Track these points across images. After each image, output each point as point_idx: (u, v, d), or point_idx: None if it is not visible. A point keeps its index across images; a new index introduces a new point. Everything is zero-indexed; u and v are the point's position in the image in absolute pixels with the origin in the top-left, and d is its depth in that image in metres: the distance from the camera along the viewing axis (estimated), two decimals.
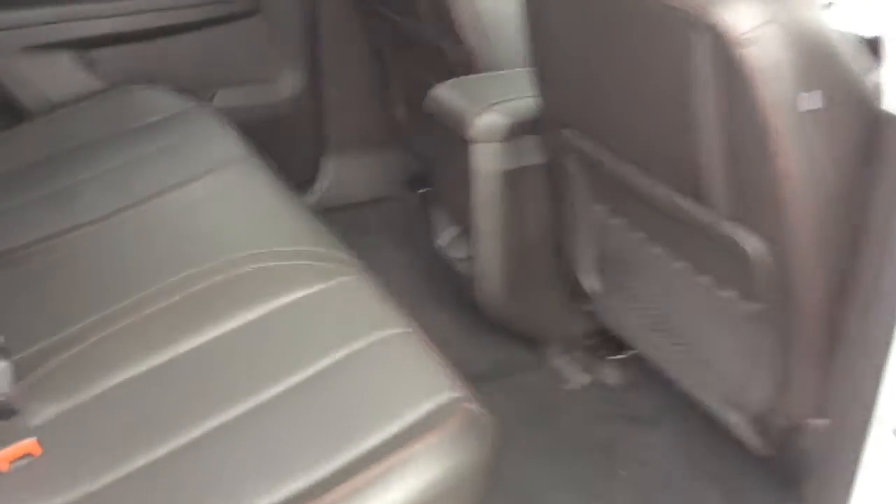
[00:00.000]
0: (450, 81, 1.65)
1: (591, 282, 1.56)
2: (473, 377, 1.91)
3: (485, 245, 1.64)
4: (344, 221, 2.48)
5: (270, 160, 2.33)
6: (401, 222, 2.41)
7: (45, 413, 1.13)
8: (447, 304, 2.00)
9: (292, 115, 2.35)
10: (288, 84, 2.31)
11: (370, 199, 2.50)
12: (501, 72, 1.71)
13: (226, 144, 1.74)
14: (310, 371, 1.14)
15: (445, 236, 1.78)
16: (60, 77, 2.00)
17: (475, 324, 1.91)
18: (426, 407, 1.04)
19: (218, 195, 1.55)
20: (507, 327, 1.80)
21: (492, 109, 1.54)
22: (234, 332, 1.22)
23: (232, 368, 1.17)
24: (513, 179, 1.58)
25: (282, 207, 1.51)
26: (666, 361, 1.48)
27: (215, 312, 1.25)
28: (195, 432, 1.08)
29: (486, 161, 1.56)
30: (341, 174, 2.46)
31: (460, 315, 1.96)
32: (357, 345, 1.16)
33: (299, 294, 1.27)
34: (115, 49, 2.06)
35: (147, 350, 1.20)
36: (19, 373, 1.19)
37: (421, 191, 2.47)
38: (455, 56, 1.78)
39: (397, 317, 1.21)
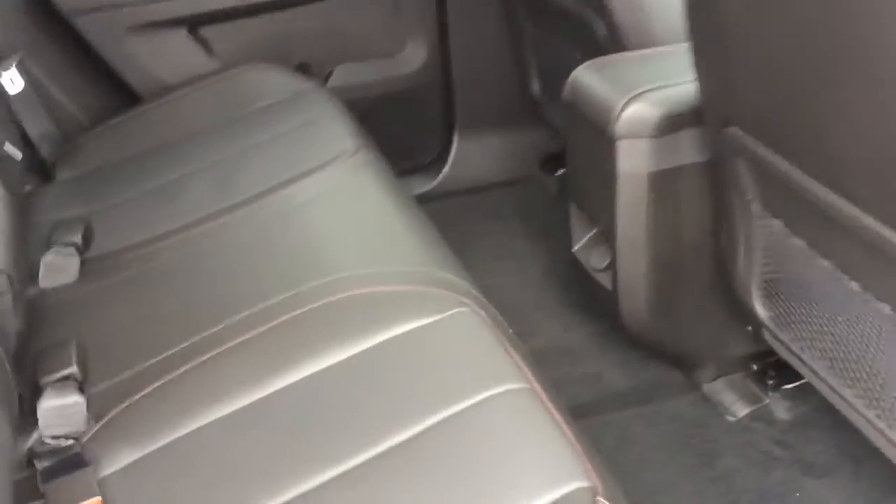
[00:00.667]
0: (592, 62, 1.40)
1: (758, 307, 1.29)
2: (611, 400, 1.77)
3: (628, 256, 1.40)
4: (473, 205, 2.31)
5: (392, 143, 2.19)
6: (535, 207, 2.19)
7: (115, 461, 1.01)
8: (585, 311, 1.78)
9: (417, 91, 2.15)
10: (413, 57, 2.11)
11: (501, 182, 2.28)
12: (657, 49, 1.44)
13: (340, 134, 1.56)
14: (414, 429, 0.96)
15: (582, 240, 1.54)
16: (172, 57, 1.88)
17: (617, 337, 1.68)
18: (549, 498, 0.84)
19: (325, 198, 1.38)
20: (652, 346, 1.56)
21: (641, 99, 1.28)
22: (329, 372, 1.05)
23: (327, 416, 1.00)
24: (664, 181, 1.33)
25: (394, 216, 1.32)
26: (847, 406, 1.21)
27: (310, 347, 1.08)
28: (286, 493, 0.94)
29: (632, 161, 1.31)
30: (470, 154, 2.24)
31: (599, 326, 1.74)
32: (468, 401, 0.96)
33: (406, 328, 1.08)
34: (229, 25, 1.92)
35: (234, 389, 1.05)
36: (95, 411, 1.08)
37: (558, 173, 2.25)
38: (601, 29, 1.52)
39: (519, 367, 1.01)
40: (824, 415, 1.48)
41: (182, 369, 1.09)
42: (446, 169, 2.23)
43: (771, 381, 1.51)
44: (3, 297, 1.10)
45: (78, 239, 1.39)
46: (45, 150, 1.76)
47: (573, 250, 1.56)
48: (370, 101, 2.09)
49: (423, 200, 2.27)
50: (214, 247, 1.32)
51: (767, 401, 1.53)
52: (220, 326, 1.14)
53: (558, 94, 2.04)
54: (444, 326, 1.08)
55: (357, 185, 1.41)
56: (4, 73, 1.68)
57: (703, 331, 1.50)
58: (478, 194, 2.25)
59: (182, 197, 1.50)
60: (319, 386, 1.04)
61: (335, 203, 1.37)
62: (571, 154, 1.48)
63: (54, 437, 1.04)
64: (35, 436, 1.06)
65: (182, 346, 1.13)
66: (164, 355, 1.12)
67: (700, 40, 1.14)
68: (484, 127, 2.22)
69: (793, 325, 1.25)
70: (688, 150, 1.31)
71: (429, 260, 1.21)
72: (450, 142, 2.23)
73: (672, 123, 1.28)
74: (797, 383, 1.50)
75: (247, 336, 1.11)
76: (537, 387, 0.98)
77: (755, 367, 1.53)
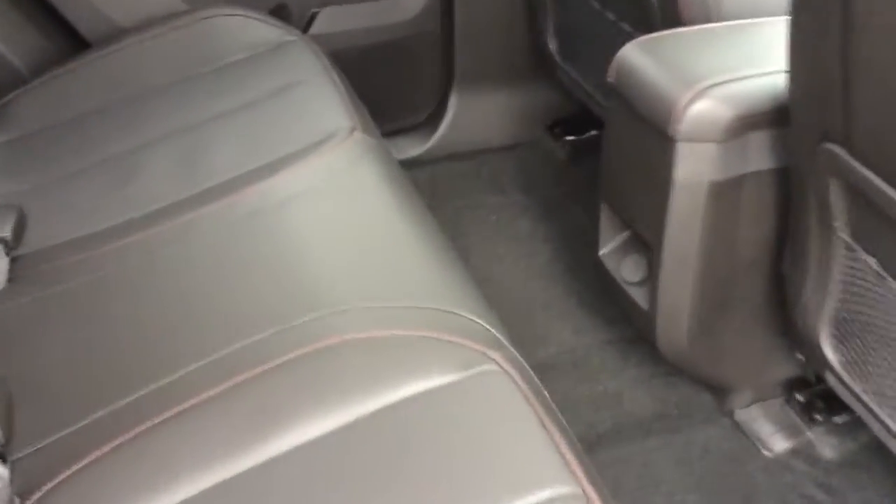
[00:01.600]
0: (646, 41, 1.14)
1: (826, 348, 1.09)
2: (633, 427, 1.48)
3: (674, 272, 1.17)
4: (469, 173, 2.04)
5: (380, 100, 1.91)
6: (540, 177, 1.94)
7: None
8: (599, 313, 1.56)
9: (412, 41, 1.86)
10: (410, 1, 1.83)
11: (504, 145, 2.02)
12: (728, 25, 1.18)
13: (331, 106, 1.30)
14: None
15: (611, 244, 1.32)
16: None
17: (638, 348, 1.48)
18: None
19: (314, 195, 1.12)
20: (686, 368, 1.35)
21: (709, 93, 1.03)
22: (315, 446, 0.82)
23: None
24: (726, 191, 1.09)
25: (402, 227, 1.07)
26: None
27: (293, 410, 0.85)
28: None
29: (693, 167, 1.07)
30: (471, 113, 1.97)
31: (617, 331, 1.52)
32: None
33: (417, 388, 0.85)
34: None
35: (196, 464, 0.83)
36: (20, 488, 0.85)
37: (569, 138, 2.00)
38: None
39: (564, 457, 0.79)
40: (876, 456, 1.30)
41: (131, 433, 0.85)
42: (441, 130, 1.96)
43: (818, 416, 1.32)
44: None
45: (7, 231, 1.13)
46: None
47: (599, 254, 1.33)
48: (357, 51, 1.81)
49: (413, 165, 2.03)
50: (175, 255, 1.07)
51: (809, 434, 1.34)
52: (179, 374, 0.90)
53: (576, 54, 1.79)
54: (466, 390, 0.86)
55: (354, 180, 1.15)
56: None
57: (744, 353, 1.30)
58: (475, 159, 1.99)
59: (136, 177, 1.23)
60: (301, 465, 0.82)
61: (327, 203, 1.11)
62: (610, 146, 1.24)
63: None
64: None
65: (131, 398, 0.89)
66: (109, 411, 0.88)
67: (807, 20, 0.89)
68: (486, 84, 1.95)
69: (870, 377, 1.05)
70: (758, 155, 1.08)
71: (447, 293, 0.97)
72: (446, 99, 1.95)
73: (744, 125, 1.04)
74: (847, 417, 1.32)
75: (212, 391, 0.87)
76: (591, 491, 0.77)
77: (800, 397, 1.33)
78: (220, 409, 0.87)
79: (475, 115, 1.98)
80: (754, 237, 1.15)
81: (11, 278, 1.10)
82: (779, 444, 1.33)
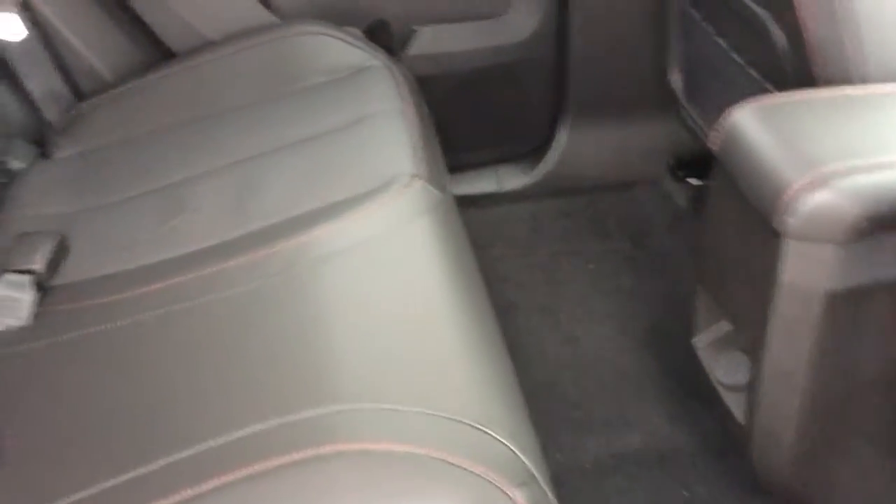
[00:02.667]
0: (763, 104, 0.93)
1: None
2: None
3: (776, 389, 0.97)
4: (575, 211, 1.85)
5: (483, 127, 1.78)
6: (654, 223, 1.73)
7: None
8: (701, 399, 1.34)
9: (524, 65, 1.70)
10: (521, 22, 1.65)
11: (615, 183, 1.82)
12: (867, 89, 0.95)
13: (396, 148, 1.16)
14: None
15: (706, 331, 1.11)
16: (214, 3, 1.50)
17: (736, 463, 1.25)
18: None
19: (354, 258, 0.98)
20: (787, 499, 1.13)
21: (832, 182, 0.82)
22: None
23: None
24: (848, 302, 0.88)
25: (445, 308, 0.91)
26: None
27: None
28: None
29: (805, 271, 0.86)
30: (582, 146, 1.79)
31: (712, 439, 1.30)
32: None
33: None
34: None
35: None
36: None
37: (692, 181, 1.78)
38: (780, 39, 1.04)
39: None
40: None
41: None
42: (548, 162, 1.78)
43: None
44: None
45: (41, 264, 1.07)
46: (50, 114, 1.44)
47: (693, 341, 1.13)
48: (459, 74, 1.67)
49: (513, 199, 1.87)
50: (193, 315, 0.96)
51: None
52: (158, 463, 0.78)
53: (701, 95, 1.57)
54: None
55: (405, 241, 1.00)
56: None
57: (863, 487, 1.07)
58: (583, 197, 1.81)
59: (184, 211, 1.14)
60: None
61: (366, 267, 0.97)
62: (709, 223, 1.04)
63: None
64: None
65: (104, 485, 0.78)
66: (77, 498, 0.79)
67: None
68: (601, 115, 1.76)
69: None
70: (890, 261, 0.86)
71: (480, 404, 0.80)
72: (555, 130, 1.77)
73: (874, 225, 0.83)
74: None
75: (192, 490, 0.76)
76: None
77: None
78: None
79: (587, 149, 1.80)
80: (880, 356, 0.93)
81: (38, 313, 1.03)
82: None
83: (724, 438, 1.29)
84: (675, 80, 1.57)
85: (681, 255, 1.65)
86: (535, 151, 1.81)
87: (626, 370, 1.42)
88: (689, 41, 1.47)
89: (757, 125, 0.90)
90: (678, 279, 1.60)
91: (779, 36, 1.04)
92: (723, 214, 0.99)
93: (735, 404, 1.04)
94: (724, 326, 1.10)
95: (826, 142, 0.87)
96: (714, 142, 0.95)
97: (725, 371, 1.06)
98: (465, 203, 1.82)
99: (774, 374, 0.95)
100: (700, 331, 1.12)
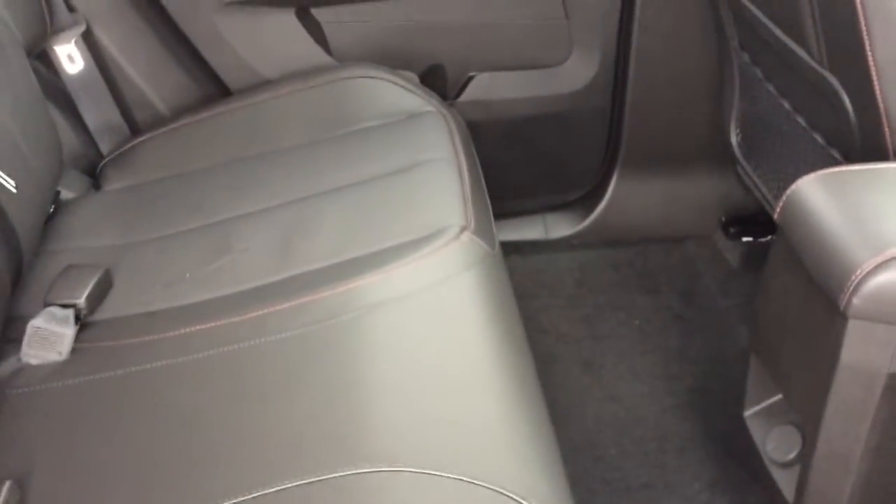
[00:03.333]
0: (829, 175, 0.90)
1: None
2: None
3: (828, 470, 0.92)
4: (622, 263, 1.81)
5: (533, 173, 1.76)
6: (704, 281, 1.69)
7: None
8: (739, 483, 1.29)
9: (578, 114, 1.68)
10: (579, 71, 1.63)
11: (668, 237, 1.80)
12: None
13: (447, 196, 1.15)
14: None
15: (759, 405, 1.07)
16: (271, 44, 1.51)
17: None
18: None
19: (399, 310, 0.96)
20: None
21: None
22: None
23: None
24: None
25: (488, 367, 0.89)
26: None
27: None
28: None
29: (867, 352, 0.82)
30: (634, 197, 1.76)
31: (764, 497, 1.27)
32: None
33: None
34: (348, 9, 1.53)
35: None
36: None
37: (745, 239, 1.74)
38: (853, 111, 1.00)
39: None
40: None
41: None
42: (597, 212, 1.76)
43: None
44: None
45: (81, 299, 1.07)
46: (104, 146, 1.45)
47: (745, 415, 1.09)
48: (513, 121, 1.66)
49: (561, 248, 1.84)
50: (235, 359, 0.95)
51: None
52: None
53: (759, 154, 1.54)
54: None
55: (448, 295, 0.99)
56: (60, 48, 1.37)
57: None
58: (631, 249, 1.78)
59: (231, 250, 1.14)
60: None
61: (411, 321, 0.95)
62: (768, 293, 1.00)
63: None
64: None
65: None
66: None
67: None
68: (654, 167, 1.73)
69: None
70: None
71: (521, 472, 0.78)
72: (607, 179, 1.75)
73: None
74: None
75: None
76: None
77: None
78: None
79: (638, 200, 1.77)
80: None
81: (77, 349, 1.03)
82: None
83: None
84: (733, 136, 1.54)
85: (731, 315, 1.61)
86: (583, 200, 1.79)
87: (669, 432, 1.38)
88: (749, 98, 1.44)
89: (824, 198, 0.87)
90: (727, 341, 1.56)
91: (848, 103, 1.01)
92: (783, 285, 0.96)
93: (784, 481, 1.00)
94: (777, 400, 1.05)
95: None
96: (777, 211, 0.92)
97: (776, 446, 1.01)
98: (511, 249, 1.81)
99: (828, 455, 0.91)
100: (752, 403, 1.08)
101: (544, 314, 1.65)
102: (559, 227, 1.80)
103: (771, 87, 1.32)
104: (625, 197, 1.77)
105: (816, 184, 0.89)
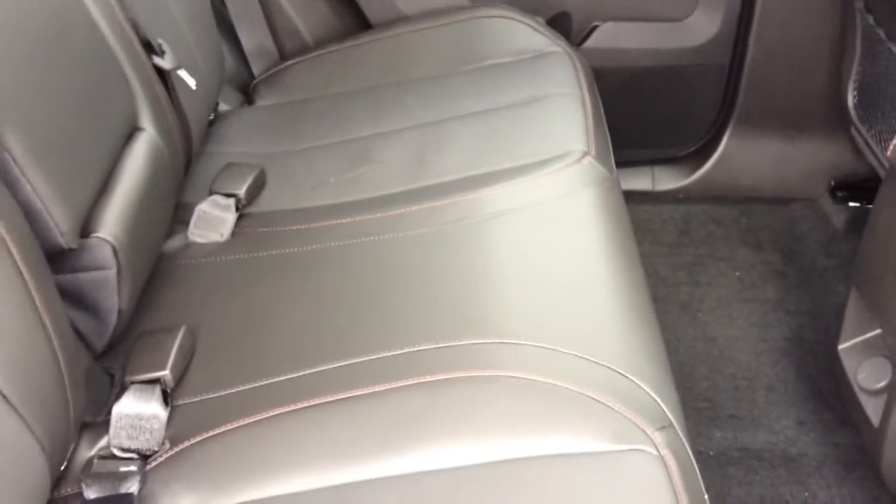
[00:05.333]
0: None
1: None
2: None
3: None
4: (727, 219, 1.87)
5: (648, 124, 1.82)
6: (807, 242, 1.73)
7: None
8: (833, 410, 1.36)
9: (697, 69, 1.74)
10: (701, 27, 1.69)
11: (772, 197, 1.83)
12: None
13: (569, 126, 1.24)
14: None
15: (854, 339, 1.13)
16: None
17: (862, 474, 1.26)
18: None
19: (521, 216, 1.07)
20: None
21: None
22: (443, 477, 0.79)
23: None
24: None
25: (602, 272, 0.99)
26: None
27: (434, 432, 0.82)
28: None
29: None
30: (744, 155, 1.80)
31: (847, 437, 1.32)
32: None
33: (560, 447, 0.79)
34: None
35: (330, 457, 0.83)
36: (172, 432, 0.89)
37: (852, 204, 1.77)
38: None
39: None
40: None
41: (281, 409, 0.87)
42: (707, 167, 1.82)
43: None
44: (105, 273, 0.93)
45: (242, 190, 1.21)
46: (256, 67, 1.60)
47: (839, 348, 1.15)
48: (632, 71, 1.73)
49: (667, 199, 1.91)
50: (376, 247, 1.07)
51: None
52: (339, 363, 0.90)
53: (875, 115, 1.57)
54: (611, 466, 0.77)
55: (571, 208, 1.08)
56: None
57: None
58: (737, 207, 1.83)
59: (370, 161, 1.27)
60: (425, 494, 0.79)
61: (535, 228, 1.06)
62: (875, 227, 1.06)
63: (122, 450, 0.88)
64: (102, 442, 0.91)
65: (292, 375, 0.91)
66: (270, 382, 0.91)
67: None
68: (767, 127, 1.77)
69: None
70: None
71: (627, 355, 0.88)
72: (720, 136, 1.80)
73: None
74: None
75: (364, 391, 0.86)
76: None
77: None
78: (368, 410, 0.86)
79: (748, 159, 1.82)
80: None
81: (234, 233, 1.17)
82: None
83: (854, 451, 1.30)
84: (850, 97, 1.57)
85: (831, 275, 1.65)
86: (693, 155, 1.85)
87: (760, 373, 1.44)
88: (870, 59, 1.47)
89: None
90: (825, 298, 1.60)
91: None
92: (889, 222, 1.02)
93: (871, 407, 1.06)
94: (873, 335, 1.11)
95: None
96: (891, 149, 0.98)
97: (867, 375, 1.08)
98: None
99: None
100: (847, 337, 1.14)
101: (646, 259, 1.69)
102: (667, 179, 1.87)
103: (894, 47, 1.36)
104: (735, 155, 1.82)
105: None
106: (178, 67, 1.18)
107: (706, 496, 0.79)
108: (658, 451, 0.78)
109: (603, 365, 0.87)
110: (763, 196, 1.85)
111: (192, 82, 1.18)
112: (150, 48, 1.16)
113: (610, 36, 1.70)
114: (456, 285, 0.99)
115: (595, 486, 0.76)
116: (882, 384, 1.06)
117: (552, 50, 1.45)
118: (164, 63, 1.15)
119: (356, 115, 1.39)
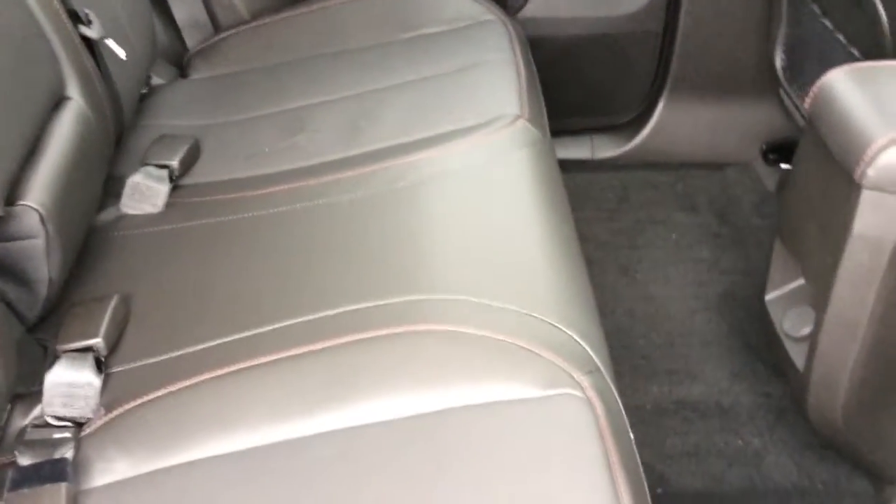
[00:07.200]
0: (856, 69, 0.99)
1: None
2: (768, 493, 1.27)
3: (837, 338, 1.02)
4: (663, 185, 1.91)
5: (584, 95, 1.84)
6: (740, 204, 1.78)
7: (106, 473, 0.82)
8: (765, 361, 1.41)
9: (631, 37, 1.76)
10: None
11: (706, 162, 1.87)
12: None
13: (503, 91, 1.25)
14: None
15: (779, 289, 1.17)
16: None
17: (792, 420, 1.31)
18: None
19: (456, 178, 1.09)
20: (837, 446, 1.19)
21: None
22: (378, 430, 0.80)
23: (372, 491, 0.76)
24: None
25: (534, 227, 1.01)
26: None
27: (367, 387, 0.83)
28: None
29: (878, 221, 0.92)
30: (679, 122, 1.83)
31: (779, 386, 1.37)
32: None
33: (491, 395, 0.80)
34: None
35: (265, 417, 0.83)
36: (107, 399, 0.89)
37: (784, 166, 1.81)
38: (885, 19, 1.09)
39: None
40: None
41: (217, 372, 0.87)
42: (643, 135, 1.85)
43: None
44: (33, 242, 0.92)
45: (175, 161, 1.20)
46: (190, 40, 1.58)
47: (766, 298, 1.19)
48: (568, 40, 1.75)
49: (605, 167, 1.94)
50: (310, 213, 1.08)
51: None
52: (276, 325, 0.91)
53: (801, 75, 1.61)
54: (540, 410, 0.79)
55: (504, 169, 1.10)
56: None
57: None
58: (673, 173, 1.86)
59: (304, 131, 1.27)
60: (362, 447, 0.80)
61: (466, 187, 1.07)
62: (795, 181, 1.10)
63: (57, 418, 0.87)
64: (36, 412, 0.90)
65: (227, 339, 0.91)
66: (204, 346, 0.91)
67: None
68: (700, 93, 1.81)
69: None
70: None
71: (557, 306, 0.90)
72: (654, 104, 1.83)
73: None
74: None
75: (300, 350, 0.87)
76: None
77: None
78: (304, 369, 0.87)
79: (683, 126, 1.85)
80: None
81: (168, 203, 1.17)
82: None
83: (784, 400, 1.34)
84: (778, 60, 1.61)
85: (764, 234, 1.70)
86: (630, 123, 1.87)
87: (695, 329, 1.48)
88: (795, 22, 1.51)
89: (850, 86, 0.96)
90: (758, 256, 1.64)
91: (882, 11, 1.09)
92: (807, 172, 1.05)
93: (796, 354, 1.10)
94: (797, 284, 1.15)
95: None
96: (808, 102, 1.01)
97: (792, 323, 1.11)
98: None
99: (837, 323, 1.01)
100: (773, 287, 1.18)
101: (586, 225, 1.75)
102: (605, 147, 1.90)
103: (815, 7, 1.40)
104: (670, 122, 1.85)
105: (844, 75, 0.98)
106: (106, 37, 1.16)
107: (632, 436, 0.81)
108: (585, 394, 0.80)
109: (531, 315, 0.89)
110: (698, 161, 1.88)
111: (121, 53, 1.17)
112: (76, 17, 1.15)
113: (545, 4, 1.71)
114: (390, 246, 1.00)
115: (526, 431, 0.78)
116: (805, 331, 1.10)
117: (487, 18, 1.46)
118: (91, 32, 1.14)
119: (291, 85, 1.39)
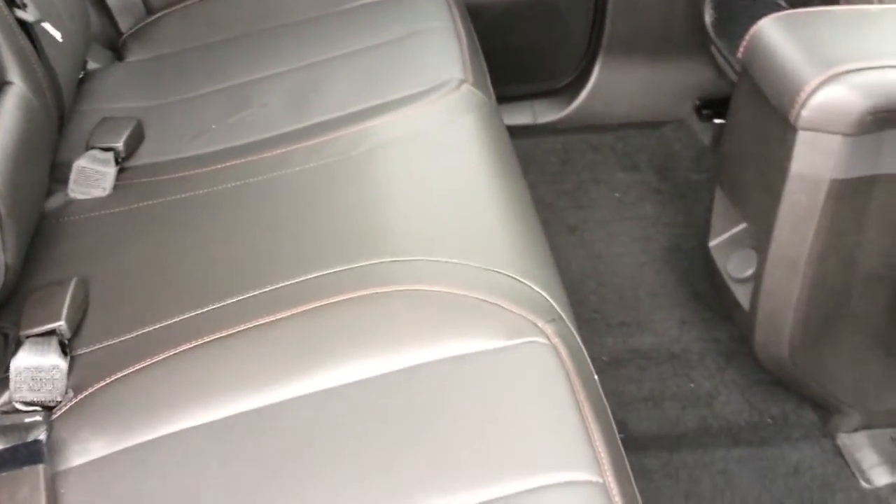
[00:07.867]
0: (787, 15, 1.03)
1: None
2: (720, 432, 1.34)
3: (779, 275, 1.07)
4: (604, 146, 1.96)
5: (522, 61, 1.87)
6: (678, 159, 1.83)
7: (81, 453, 0.82)
8: (711, 308, 1.46)
9: (562, 2, 1.80)
10: None
11: (643, 122, 1.92)
12: (889, 5, 1.04)
13: (446, 57, 1.27)
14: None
15: (722, 235, 1.22)
16: None
17: (745, 351, 1.37)
18: None
19: (408, 143, 1.10)
20: (786, 382, 1.24)
21: (842, 79, 0.92)
22: (351, 391, 0.82)
23: (337, 452, 0.77)
24: (850, 192, 0.98)
25: (487, 187, 1.03)
26: None
27: (337, 350, 0.85)
28: None
29: (813, 161, 0.96)
30: (615, 84, 1.88)
31: (725, 331, 1.42)
32: (518, 482, 0.72)
33: (459, 348, 0.83)
34: None
35: (236, 387, 0.84)
36: (75, 380, 0.89)
37: (717, 121, 1.87)
38: None
39: (593, 444, 0.74)
40: None
41: (184, 347, 0.88)
42: (581, 98, 1.89)
43: None
44: None
45: (120, 143, 1.19)
46: (123, 23, 1.56)
47: (710, 245, 1.24)
48: (505, 6, 1.77)
49: (546, 131, 1.97)
50: (265, 186, 1.08)
51: None
52: (240, 297, 0.92)
53: (731, 30, 1.67)
54: (508, 359, 0.82)
55: (453, 133, 1.12)
56: None
57: (853, 374, 1.17)
58: (612, 133, 1.91)
59: (249, 106, 1.26)
60: (337, 408, 0.81)
61: (418, 152, 1.09)
62: (732, 129, 1.14)
63: (25, 403, 0.87)
64: (4, 398, 0.89)
65: (192, 314, 0.91)
66: (170, 322, 0.91)
67: None
68: (634, 54, 1.85)
69: None
70: (892, 155, 0.96)
71: (515, 260, 0.93)
72: (590, 67, 1.87)
73: (880, 119, 0.92)
74: None
75: (267, 319, 0.88)
76: (612, 482, 0.71)
77: None
78: (273, 337, 0.88)
79: (619, 87, 1.89)
80: (879, 247, 1.03)
81: (116, 186, 1.15)
82: (880, 477, 1.21)
83: (733, 343, 1.40)
84: (707, 16, 1.66)
85: (703, 187, 1.75)
86: (569, 87, 1.91)
87: (643, 282, 1.53)
88: None
89: (782, 32, 1.00)
90: (699, 208, 1.70)
91: None
92: (744, 119, 1.09)
93: (741, 294, 1.15)
94: (738, 229, 1.20)
95: (841, 47, 0.97)
96: (741, 51, 1.05)
97: (736, 265, 1.16)
98: None
99: (779, 261, 1.06)
100: (716, 234, 1.22)
101: (531, 189, 1.74)
102: (546, 112, 1.93)
103: None
104: (607, 83, 1.89)
105: (776, 22, 1.02)
106: (42, 20, 1.14)
107: (596, 377, 0.84)
108: (550, 340, 0.83)
109: (493, 270, 0.91)
110: (636, 121, 1.93)
111: (57, 35, 1.15)
112: (11, 1, 1.12)
113: None
114: (348, 213, 1.01)
115: (496, 379, 0.81)
116: (749, 272, 1.15)
117: None
118: (27, 15, 1.12)
119: (231, 62, 1.38)
